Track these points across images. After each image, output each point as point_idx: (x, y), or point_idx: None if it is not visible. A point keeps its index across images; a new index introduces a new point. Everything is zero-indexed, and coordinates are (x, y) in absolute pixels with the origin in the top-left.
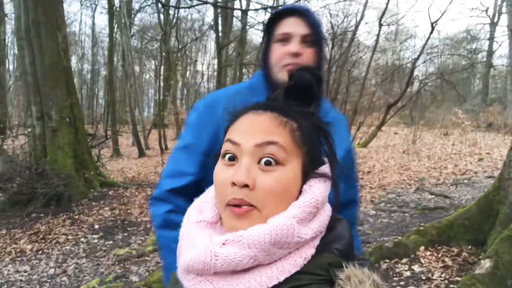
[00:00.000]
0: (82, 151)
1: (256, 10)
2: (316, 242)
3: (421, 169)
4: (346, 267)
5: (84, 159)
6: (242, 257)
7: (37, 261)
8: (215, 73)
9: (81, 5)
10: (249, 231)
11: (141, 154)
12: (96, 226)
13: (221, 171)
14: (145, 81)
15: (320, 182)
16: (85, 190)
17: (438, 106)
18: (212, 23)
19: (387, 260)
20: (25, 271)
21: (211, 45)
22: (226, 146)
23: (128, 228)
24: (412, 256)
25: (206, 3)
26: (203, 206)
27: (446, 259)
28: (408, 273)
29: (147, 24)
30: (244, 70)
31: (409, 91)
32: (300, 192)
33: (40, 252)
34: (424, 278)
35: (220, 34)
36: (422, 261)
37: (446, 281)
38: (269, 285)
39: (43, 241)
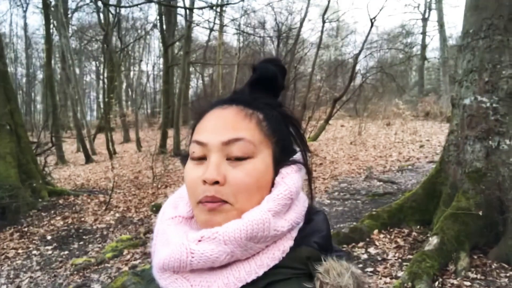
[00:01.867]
0: (26, 159)
1: (201, 8)
2: (294, 233)
3: (368, 158)
4: (325, 261)
5: (29, 168)
6: (219, 254)
7: None
8: (161, 73)
9: (10, 4)
10: (224, 227)
11: (88, 160)
12: (49, 237)
13: (191, 170)
14: (86, 83)
15: (292, 172)
16: (33, 201)
17: (379, 98)
18: (156, 21)
19: (345, 245)
20: None
21: (155, 44)
22: (193, 148)
23: (84, 237)
24: (368, 239)
25: (150, 1)
26: (178, 202)
27: (398, 240)
28: (365, 256)
29: (86, 23)
30: (191, 69)
31: (352, 85)
32: (273, 184)
33: None
34: (380, 259)
35: (165, 33)
36: (377, 243)
37: (399, 260)
38: (248, 280)
39: None
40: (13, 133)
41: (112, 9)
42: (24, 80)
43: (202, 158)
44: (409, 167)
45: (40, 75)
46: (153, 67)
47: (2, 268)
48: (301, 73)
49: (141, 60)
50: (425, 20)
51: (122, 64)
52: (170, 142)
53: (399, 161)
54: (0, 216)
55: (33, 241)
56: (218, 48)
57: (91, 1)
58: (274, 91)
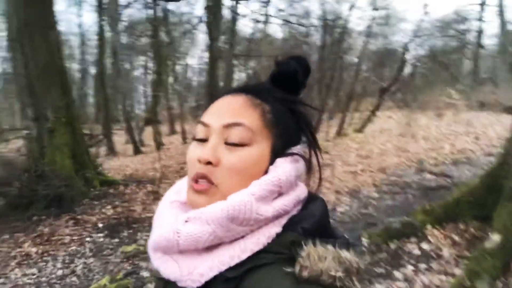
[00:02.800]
0: (80, 151)
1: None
2: (283, 220)
3: (418, 151)
4: (306, 245)
5: (83, 159)
6: (202, 233)
7: (44, 263)
8: (206, 66)
9: (67, 3)
10: (208, 207)
11: (137, 151)
12: (100, 225)
13: (192, 150)
14: (135, 77)
15: (287, 162)
16: (86, 190)
17: (430, 88)
18: (201, 16)
19: (395, 240)
20: (33, 274)
21: (201, 38)
22: (198, 128)
23: (133, 225)
24: (420, 234)
25: None
26: (181, 187)
27: (454, 236)
28: (417, 251)
29: (136, 20)
30: (235, 62)
31: (401, 74)
32: (266, 172)
33: (45, 254)
34: (433, 255)
35: (210, 26)
36: (430, 239)
37: (455, 257)
38: (231, 264)
39: (47, 243)
40: (68, 125)
41: (159, 4)
42: (78, 75)
43: (204, 140)
44: (464, 160)
45: (93, 70)
46: (199, 60)
47: (58, 253)
48: (348, 63)
49: (187, 54)
50: (482, 4)
51: (169, 58)
52: None
53: (452, 154)
54: (57, 204)
55: (86, 229)
56: (262, 40)
57: None
58: (294, 88)
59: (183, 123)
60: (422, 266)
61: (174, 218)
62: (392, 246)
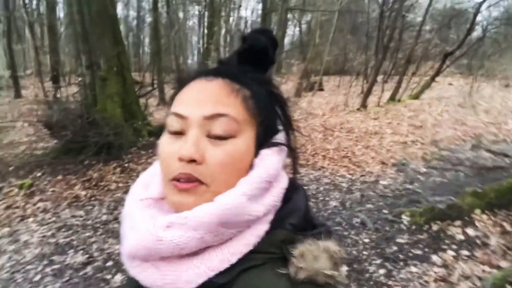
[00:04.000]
0: (130, 100)
1: None
2: (270, 216)
3: (478, 125)
4: (301, 244)
5: (132, 109)
6: (188, 240)
7: (91, 207)
8: (259, 19)
9: None
10: (194, 211)
11: None
12: None
13: (167, 144)
14: (189, 27)
15: (272, 154)
16: (134, 139)
17: (500, 55)
18: None
19: (438, 222)
20: (80, 216)
21: None
22: (171, 120)
23: None
24: (467, 218)
25: None
26: (150, 181)
27: (505, 224)
28: (461, 237)
29: None
30: (289, 16)
31: (469, 38)
32: (251, 166)
33: (93, 198)
34: (479, 243)
35: None
36: (478, 224)
37: (504, 247)
38: (221, 268)
39: (95, 187)
40: (120, 74)
41: None
42: (134, 23)
43: (180, 133)
44: None
45: (149, 19)
46: (252, 13)
47: (105, 199)
48: (410, 22)
49: (240, 6)
50: None
51: (222, 9)
52: None
53: None
54: (106, 151)
55: (132, 177)
56: None
57: None
58: (263, 65)
59: None
60: (464, 253)
61: (150, 220)
62: (434, 227)
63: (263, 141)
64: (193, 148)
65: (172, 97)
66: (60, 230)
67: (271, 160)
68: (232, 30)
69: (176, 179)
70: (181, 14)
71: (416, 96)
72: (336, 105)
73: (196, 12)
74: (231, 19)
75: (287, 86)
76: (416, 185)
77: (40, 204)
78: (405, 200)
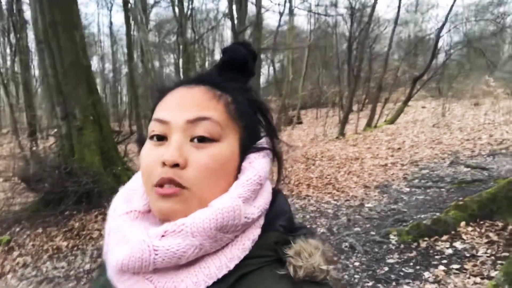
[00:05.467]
0: (108, 147)
1: None
2: (261, 221)
3: (453, 142)
4: (294, 243)
5: (111, 155)
6: (186, 248)
7: (73, 257)
8: None
9: (98, 4)
10: (191, 217)
11: None
12: None
13: (149, 151)
14: (166, 75)
15: (260, 157)
16: (114, 185)
17: (466, 76)
18: (226, 10)
19: (426, 238)
20: (63, 267)
21: (228, 34)
22: (153, 126)
23: None
24: (453, 232)
25: None
26: (131, 195)
27: (491, 234)
28: (450, 251)
29: (164, 18)
30: (262, 56)
31: (434, 62)
32: (239, 170)
33: (75, 248)
34: (468, 255)
35: (235, 21)
36: (464, 237)
37: (492, 257)
38: (219, 275)
39: (77, 237)
40: (96, 123)
41: (185, 2)
42: (111, 75)
43: (162, 138)
44: (503, 151)
45: (125, 70)
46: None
47: (87, 248)
48: (377, 52)
49: (213, 50)
50: None
51: (197, 55)
52: None
53: (490, 145)
54: (86, 200)
55: None
56: (288, 32)
57: None
58: (243, 76)
59: None
60: (455, 266)
61: (142, 232)
62: (423, 244)
63: (247, 145)
64: (176, 152)
65: (153, 107)
66: (41, 284)
67: (260, 163)
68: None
69: (159, 185)
70: (157, 63)
71: (392, 121)
72: (316, 136)
73: (172, 60)
74: (206, 63)
75: None
76: (400, 204)
77: (19, 259)
78: (391, 220)
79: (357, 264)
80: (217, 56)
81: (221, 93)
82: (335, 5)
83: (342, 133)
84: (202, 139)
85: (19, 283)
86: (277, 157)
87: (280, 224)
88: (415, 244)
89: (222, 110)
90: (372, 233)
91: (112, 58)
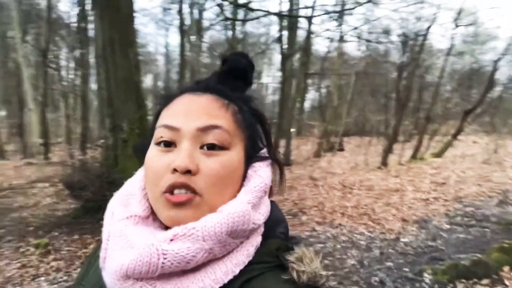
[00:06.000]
0: None
1: (320, 15)
2: (262, 228)
3: (504, 180)
4: (296, 249)
5: None
6: (196, 252)
7: None
8: (279, 85)
9: (156, 26)
10: (203, 222)
11: None
12: None
13: (156, 158)
14: None
15: (264, 166)
16: None
17: None
18: (277, 35)
19: (463, 280)
20: None
21: (276, 58)
22: (161, 132)
23: None
24: (495, 277)
25: (269, 14)
26: (128, 200)
27: None
28: None
29: (217, 40)
30: (309, 81)
31: (489, 96)
32: (243, 178)
33: None
34: None
35: (285, 45)
36: (507, 283)
37: None
38: (225, 280)
39: None
40: (141, 136)
41: (237, 26)
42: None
43: (170, 145)
44: None
45: None
46: (273, 79)
47: None
48: (428, 82)
49: (260, 73)
50: None
51: None
52: (281, 151)
53: None
54: None
55: None
56: (336, 58)
57: (220, 20)
58: (242, 86)
59: None
60: None
61: (149, 236)
62: (459, 286)
63: (250, 154)
64: (188, 158)
65: (157, 113)
66: None
67: (265, 170)
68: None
69: (169, 191)
70: None
71: (439, 154)
72: (356, 164)
73: None
74: (254, 85)
75: (307, 147)
76: (439, 242)
77: (53, 263)
78: (427, 257)
79: None
80: (264, 79)
81: (229, 102)
82: (387, 32)
83: (384, 163)
84: (212, 147)
85: (50, 286)
86: (279, 166)
87: (280, 231)
88: (451, 285)
89: (231, 119)
90: (405, 269)
91: (165, 76)
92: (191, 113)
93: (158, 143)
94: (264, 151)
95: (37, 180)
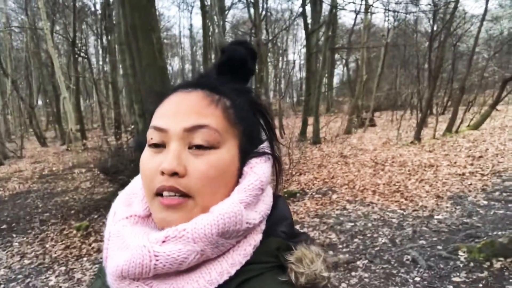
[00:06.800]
0: None
1: None
2: (263, 226)
3: None
4: (296, 249)
5: None
6: (187, 254)
7: None
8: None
9: (179, 7)
10: (193, 223)
11: None
12: None
13: (148, 159)
14: None
15: (261, 162)
16: None
17: None
18: (300, 9)
19: (501, 258)
20: None
21: (302, 34)
22: (151, 134)
23: None
24: None
25: None
26: (131, 199)
27: None
28: None
29: (240, 19)
30: (336, 56)
31: None
32: (240, 175)
33: None
34: None
35: (309, 20)
36: None
37: None
38: (220, 281)
39: None
40: None
41: (260, 3)
42: (189, 75)
43: (160, 146)
44: None
45: (202, 70)
46: (299, 56)
47: None
48: (461, 52)
49: (285, 50)
50: None
51: (270, 55)
52: (310, 129)
53: None
54: None
55: None
56: (363, 31)
57: None
58: (243, 76)
59: (281, 118)
60: None
61: (142, 237)
62: (496, 265)
63: (247, 150)
64: (175, 161)
65: (152, 112)
66: None
67: (261, 167)
68: (280, 73)
69: (159, 193)
70: None
71: (476, 126)
72: (388, 140)
73: None
74: (280, 63)
75: (336, 124)
76: (475, 219)
77: (94, 244)
78: (462, 235)
79: (417, 279)
80: (290, 56)
81: (220, 97)
82: (416, 1)
83: (418, 137)
84: (200, 146)
85: (92, 266)
86: (276, 161)
87: (282, 230)
88: (487, 263)
89: (221, 116)
90: (439, 247)
91: (191, 58)
92: (178, 113)
93: (150, 144)
94: (265, 145)
95: (75, 165)
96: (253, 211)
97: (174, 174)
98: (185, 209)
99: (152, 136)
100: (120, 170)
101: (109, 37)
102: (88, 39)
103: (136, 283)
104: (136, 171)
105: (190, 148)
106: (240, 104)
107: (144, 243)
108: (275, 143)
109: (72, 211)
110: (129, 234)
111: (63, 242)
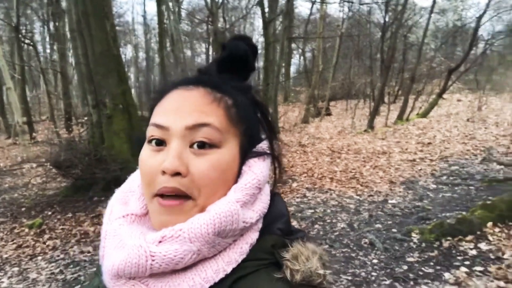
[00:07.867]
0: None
1: None
2: (260, 224)
3: (488, 138)
4: (291, 246)
5: None
6: (184, 254)
7: (99, 242)
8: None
9: None
10: (189, 223)
11: None
12: None
13: (148, 157)
14: (198, 64)
15: (259, 161)
16: None
17: (507, 68)
18: None
19: (449, 238)
20: (89, 252)
21: (259, 22)
22: (151, 131)
23: None
24: (478, 233)
25: None
26: (127, 197)
27: None
28: (474, 252)
29: (196, 7)
30: (293, 45)
31: (473, 53)
32: (239, 173)
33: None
34: (492, 257)
35: (266, 9)
36: (490, 238)
37: None
38: (216, 279)
39: None
40: (125, 111)
41: None
42: (144, 63)
43: (161, 144)
44: None
45: (157, 59)
46: (256, 45)
47: None
48: (411, 42)
49: None
50: None
51: None
52: None
53: None
54: (114, 187)
55: None
56: (319, 21)
57: None
58: (243, 73)
59: None
60: (478, 269)
61: (139, 236)
62: (445, 244)
63: (247, 149)
64: (177, 160)
65: (151, 108)
66: (68, 267)
67: (259, 166)
68: None
69: (160, 194)
70: (188, 52)
71: (424, 114)
72: (344, 128)
73: (204, 49)
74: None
75: (294, 113)
76: (425, 202)
77: (49, 242)
78: (415, 218)
79: (375, 261)
80: None
81: (221, 95)
82: None
83: (371, 126)
84: (202, 145)
85: (48, 265)
86: (275, 160)
87: (278, 227)
88: (437, 243)
89: (223, 115)
90: (394, 230)
91: (145, 46)
92: (180, 110)
93: (149, 141)
94: (264, 144)
95: (24, 160)
96: (250, 210)
97: (176, 174)
98: (184, 210)
99: (152, 133)
100: (74, 164)
101: (57, 24)
102: (33, 25)
103: (131, 281)
104: (90, 165)
105: (191, 146)
106: (241, 103)
107: (140, 243)
108: (275, 141)
109: (23, 209)
110: (125, 233)
111: (14, 241)
